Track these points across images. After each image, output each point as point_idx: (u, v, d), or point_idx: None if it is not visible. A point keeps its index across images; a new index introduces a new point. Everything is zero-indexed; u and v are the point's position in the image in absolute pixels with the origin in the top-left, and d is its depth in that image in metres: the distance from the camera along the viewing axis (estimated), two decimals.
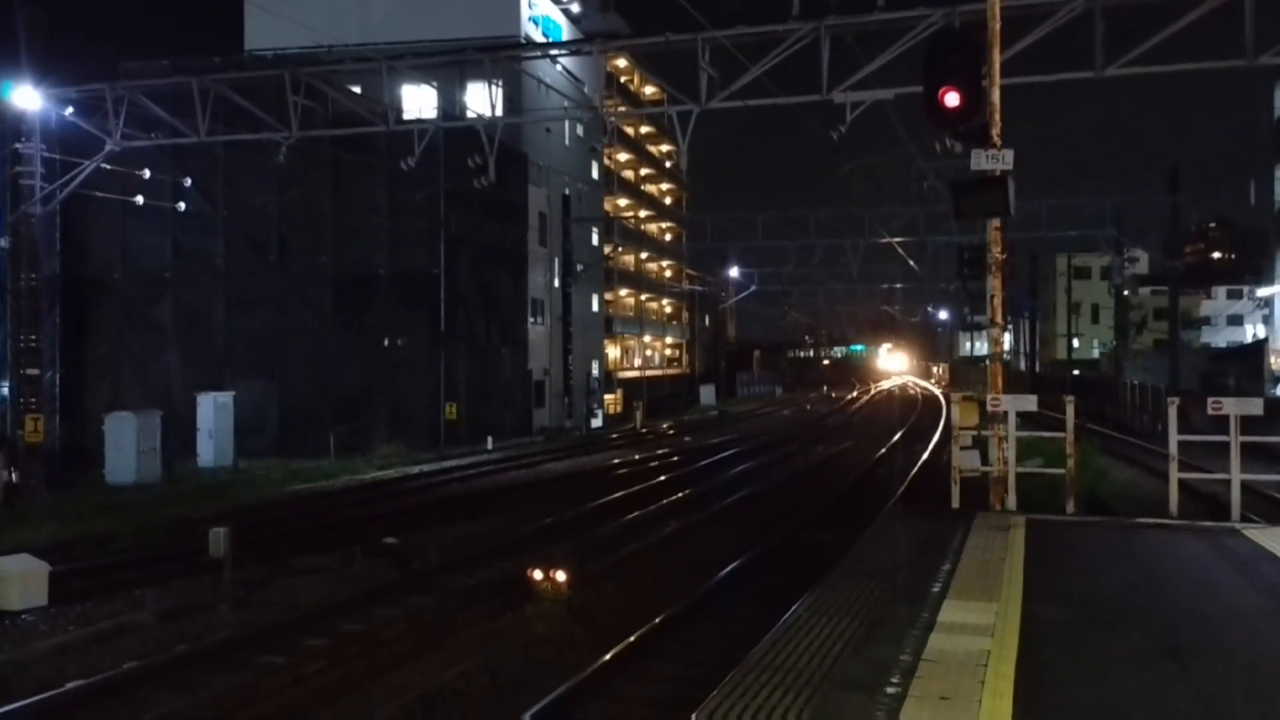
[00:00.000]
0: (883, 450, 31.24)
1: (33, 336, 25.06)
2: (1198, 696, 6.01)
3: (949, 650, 6.84)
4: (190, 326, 35.65)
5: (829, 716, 5.66)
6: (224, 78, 25.37)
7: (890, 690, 6.04)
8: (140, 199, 31.01)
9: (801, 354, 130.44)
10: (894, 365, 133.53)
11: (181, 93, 25.09)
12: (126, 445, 26.20)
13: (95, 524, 18.92)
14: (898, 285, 69.81)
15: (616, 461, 29.75)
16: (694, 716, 5.75)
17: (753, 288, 69.50)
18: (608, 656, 9.65)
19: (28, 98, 24.55)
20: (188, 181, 32.92)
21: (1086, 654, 6.79)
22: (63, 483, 25.80)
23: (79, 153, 26.96)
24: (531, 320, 43.24)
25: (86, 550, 16.47)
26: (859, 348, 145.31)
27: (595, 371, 52.38)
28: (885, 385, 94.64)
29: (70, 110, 25.99)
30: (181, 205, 32.78)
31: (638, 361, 68.20)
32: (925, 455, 28.82)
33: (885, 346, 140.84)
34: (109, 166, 27.19)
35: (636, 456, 31.12)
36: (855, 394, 78.75)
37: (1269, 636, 7.30)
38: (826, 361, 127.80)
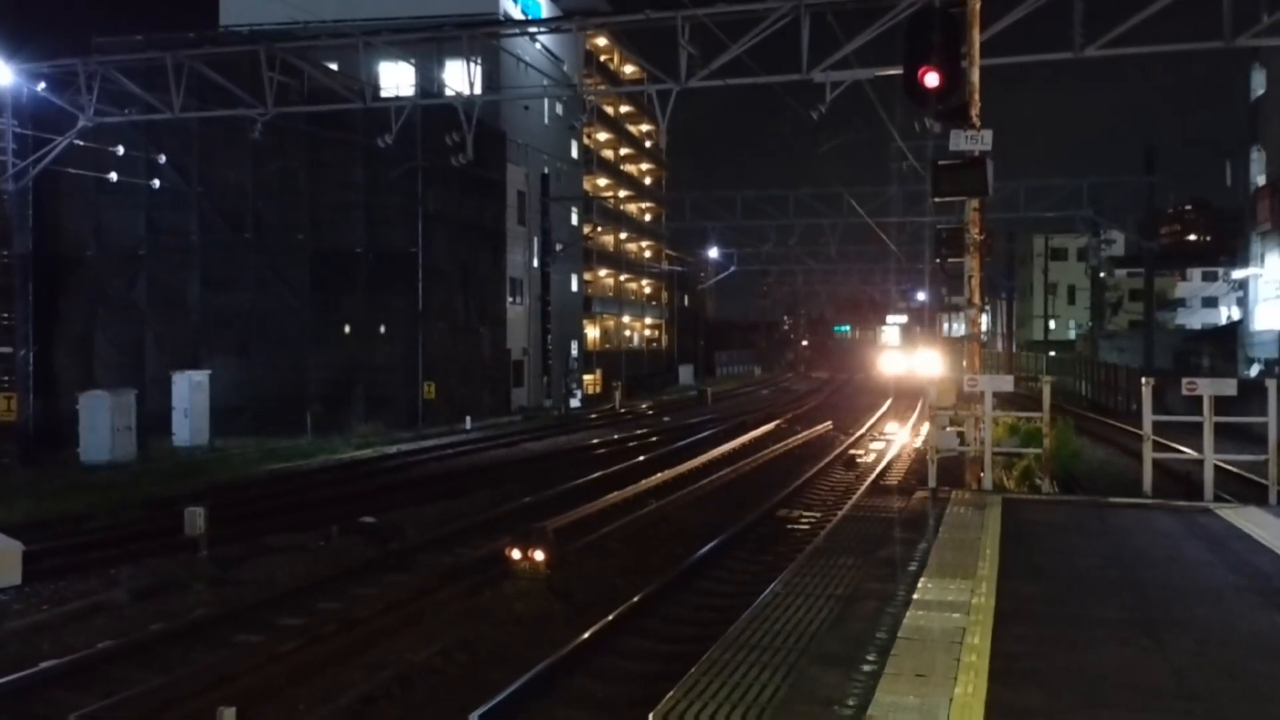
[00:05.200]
0: (861, 431, 31.39)
1: (5, 314, 24.86)
2: (1171, 670, 6.07)
3: (925, 627, 6.88)
4: (165, 304, 35.32)
5: (806, 693, 5.68)
6: (198, 53, 25.08)
7: (866, 667, 6.07)
8: (114, 175, 30.68)
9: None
10: (903, 359, 69.65)
11: (155, 68, 24.79)
12: (101, 424, 25.98)
13: (70, 503, 18.80)
14: (890, 266, 69.54)
15: (595, 441, 29.75)
16: (672, 693, 5.76)
17: (732, 268, 69.51)
18: (586, 635, 9.67)
19: None
20: (162, 158, 32.56)
21: (1062, 630, 6.85)
22: (36, 461, 25.58)
23: (51, 129, 26.64)
24: (510, 299, 43.07)
25: (61, 529, 16.35)
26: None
27: (574, 351, 52.30)
28: None
29: (42, 86, 25.68)
30: (156, 182, 32.44)
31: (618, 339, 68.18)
32: (903, 435, 28.98)
33: (893, 322, 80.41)
34: (82, 143, 26.87)
35: (615, 436, 31.14)
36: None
37: (1240, 612, 7.38)
38: (805, 343, 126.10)
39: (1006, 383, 15.41)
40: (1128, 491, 13.50)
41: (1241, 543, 9.83)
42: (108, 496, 19.48)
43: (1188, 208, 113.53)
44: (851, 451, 25.89)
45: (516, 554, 12.59)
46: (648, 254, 75.52)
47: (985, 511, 11.33)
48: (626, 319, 71.58)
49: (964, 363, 14.53)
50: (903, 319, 77.53)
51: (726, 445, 26.57)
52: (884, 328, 75.07)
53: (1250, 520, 10.78)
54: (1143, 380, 13.42)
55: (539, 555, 12.51)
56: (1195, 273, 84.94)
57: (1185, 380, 12.38)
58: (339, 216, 34.80)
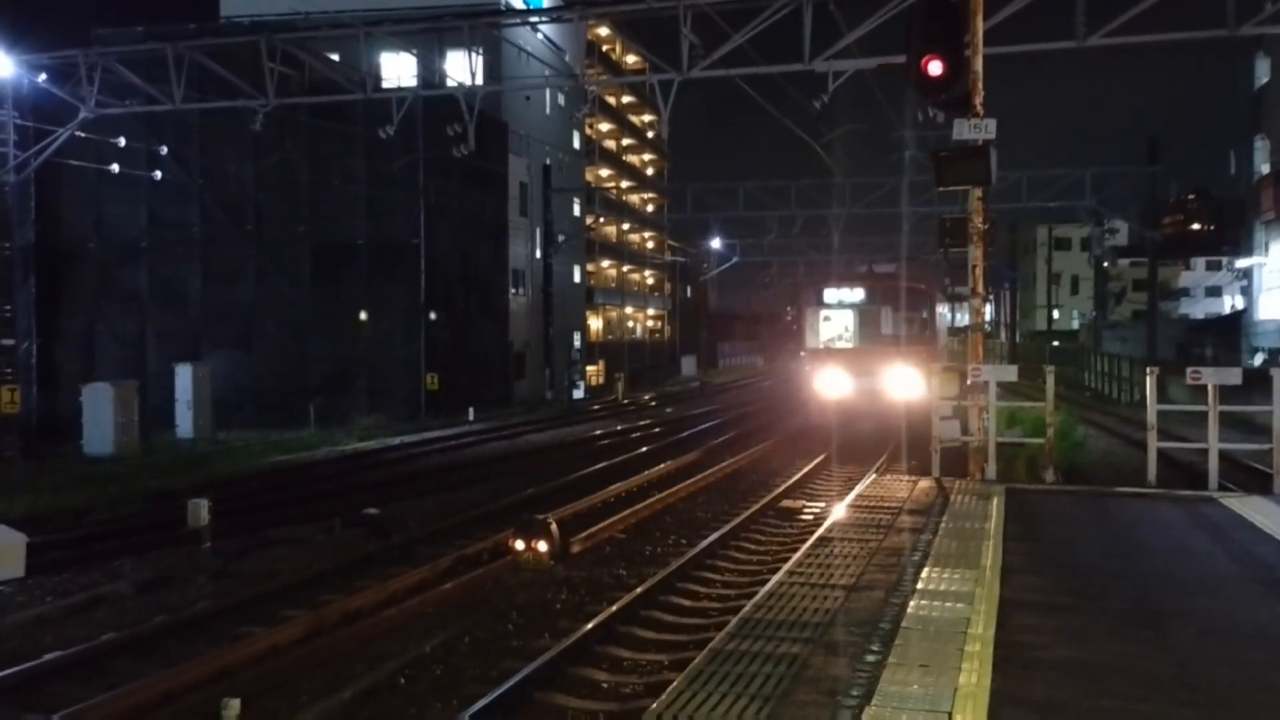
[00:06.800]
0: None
1: (7, 307, 24.86)
2: (1173, 661, 6.06)
3: (929, 617, 6.87)
4: (167, 296, 35.33)
5: (809, 682, 5.67)
6: (199, 44, 25.01)
7: (871, 657, 6.06)
8: (115, 167, 30.64)
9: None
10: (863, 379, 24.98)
11: (156, 59, 24.73)
12: (103, 416, 25.97)
13: (72, 495, 18.80)
14: (890, 257, 69.23)
15: (598, 432, 29.74)
16: (676, 682, 5.76)
17: (734, 259, 69.38)
18: (590, 625, 9.66)
19: None
20: (163, 150, 32.53)
21: (1064, 620, 6.84)
22: (39, 454, 25.59)
23: (52, 120, 26.59)
24: (512, 291, 43.04)
25: (64, 522, 16.36)
26: None
27: (577, 342, 52.29)
28: None
29: (43, 77, 25.62)
30: (157, 174, 32.40)
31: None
32: (904, 427, 28.88)
33: (837, 299, 26.04)
34: (83, 134, 26.83)
35: (618, 427, 31.12)
36: None
37: (1242, 602, 7.36)
38: None
39: (1010, 372, 15.38)
40: (1131, 481, 13.48)
41: (1245, 532, 9.81)
42: (110, 489, 19.49)
43: (1191, 197, 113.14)
44: (854, 441, 25.84)
45: (520, 545, 12.59)
46: (650, 245, 75.44)
47: (989, 501, 11.32)
48: (629, 310, 71.55)
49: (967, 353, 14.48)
50: (858, 294, 26.32)
51: (729, 435, 26.57)
52: (824, 311, 26.35)
53: (1254, 509, 10.76)
54: (1147, 370, 13.39)
55: (542, 546, 12.52)
56: (1199, 262, 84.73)
57: (1190, 369, 12.34)
58: (340, 208, 34.78)
